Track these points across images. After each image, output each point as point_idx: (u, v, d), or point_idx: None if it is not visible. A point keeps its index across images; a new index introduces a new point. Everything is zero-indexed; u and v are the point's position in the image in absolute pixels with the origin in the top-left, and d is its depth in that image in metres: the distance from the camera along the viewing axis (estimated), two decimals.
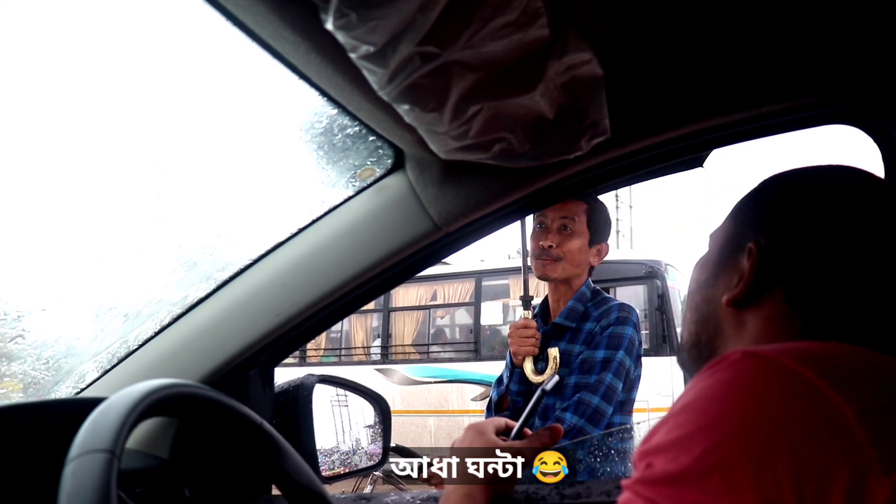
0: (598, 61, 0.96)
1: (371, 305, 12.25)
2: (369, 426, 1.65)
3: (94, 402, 0.80)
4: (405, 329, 12.47)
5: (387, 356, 12.34)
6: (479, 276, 12.09)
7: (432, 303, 12.49)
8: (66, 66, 1.04)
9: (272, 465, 1.01)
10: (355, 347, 12.85)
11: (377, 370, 12.04)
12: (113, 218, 1.25)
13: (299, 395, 1.38)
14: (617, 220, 25.14)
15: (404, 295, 12.27)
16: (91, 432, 0.74)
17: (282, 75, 0.92)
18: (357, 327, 12.77)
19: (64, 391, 1.27)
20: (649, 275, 10.58)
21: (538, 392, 1.21)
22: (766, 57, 1.04)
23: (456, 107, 0.91)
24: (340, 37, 0.75)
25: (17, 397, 1.34)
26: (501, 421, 1.20)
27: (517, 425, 1.18)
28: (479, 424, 1.17)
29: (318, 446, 1.44)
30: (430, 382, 11.58)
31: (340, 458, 1.56)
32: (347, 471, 1.55)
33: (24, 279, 1.26)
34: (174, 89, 1.05)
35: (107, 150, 1.15)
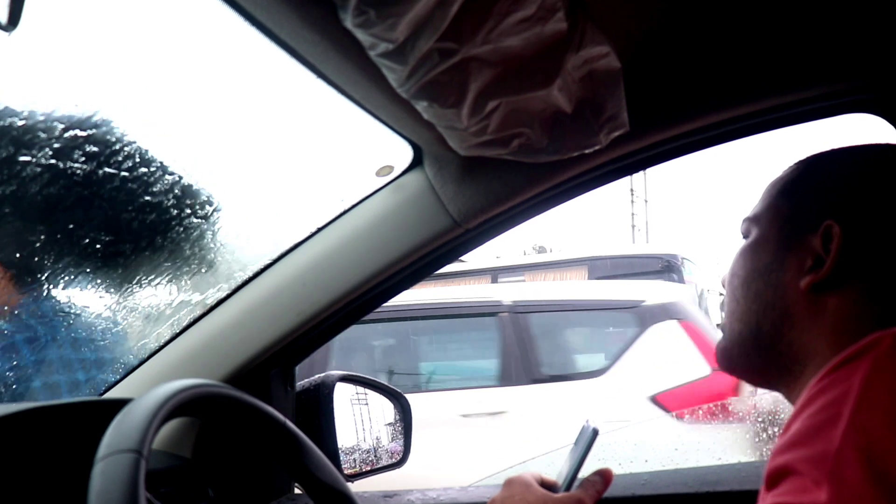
0: (616, 54, 0.96)
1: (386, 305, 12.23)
2: (389, 424, 1.65)
3: (120, 403, 0.80)
4: None
5: None
6: (495, 272, 12.08)
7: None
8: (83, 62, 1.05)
9: (296, 464, 1.02)
10: None
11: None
12: (132, 219, 1.25)
13: (321, 394, 1.38)
14: (632, 214, 25.04)
15: (419, 293, 12.25)
16: (118, 432, 0.74)
17: (300, 74, 0.92)
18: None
19: (86, 393, 1.27)
20: (666, 269, 10.54)
21: (590, 433, 1.01)
22: (789, 43, 1.03)
23: (474, 103, 0.90)
24: (359, 34, 0.75)
25: None
26: (537, 474, 1.03)
27: (568, 473, 1.01)
28: (521, 478, 1.01)
29: (339, 445, 1.44)
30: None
31: (362, 456, 1.56)
32: (369, 469, 1.55)
33: (47, 284, 1.27)
34: (191, 88, 1.05)
35: (125, 149, 1.16)
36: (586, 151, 1.04)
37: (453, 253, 1.21)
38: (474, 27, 0.79)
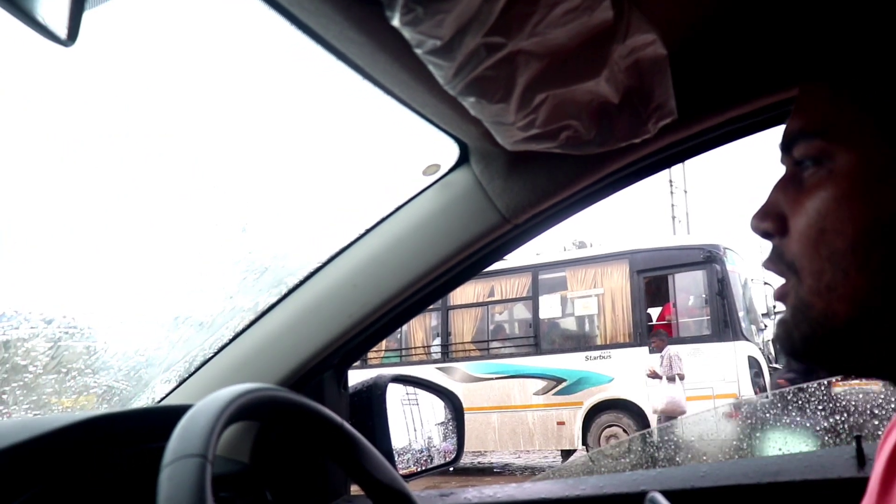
0: (662, 41, 0.95)
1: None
2: (440, 423, 1.66)
3: (181, 409, 0.81)
4: (464, 327, 12.52)
5: (447, 355, 12.39)
6: (535, 269, 12.07)
7: (490, 299, 12.50)
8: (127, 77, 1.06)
9: (354, 465, 1.02)
10: (415, 347, 12.92)
11: (438, 369, 12.10)
12: (183, 229, 1.27)
13: (373, 395, 1.39)
14: (672, 205, 24.79)
15: (462, 293, 12.31)
16: (183, 438, 0.75)
17: (346, 76, 0.92)
18: (416, 327, 12.85)
19: (143, 401, 1.29)
20: (708, 259, 10.45)
21: None
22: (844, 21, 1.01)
23: (522, 96, 0.90)
24: (406, 33, 0.75)
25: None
26: None
27: None
28: None
29: (392, 445, 1.45)
30: (491, 379, 11.60)
31: (414, 456, 1.56)
32: (423, 469, 1.55)
33: (100, 292, 1.29)
34: (236, 94, 1.06)
35: (173, 163, 1.17)
36: (635, 141, 1.03)
37: (502, 249, 1.21)
38: (521, 20, 0.79)
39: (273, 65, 1.00)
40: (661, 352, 9.99)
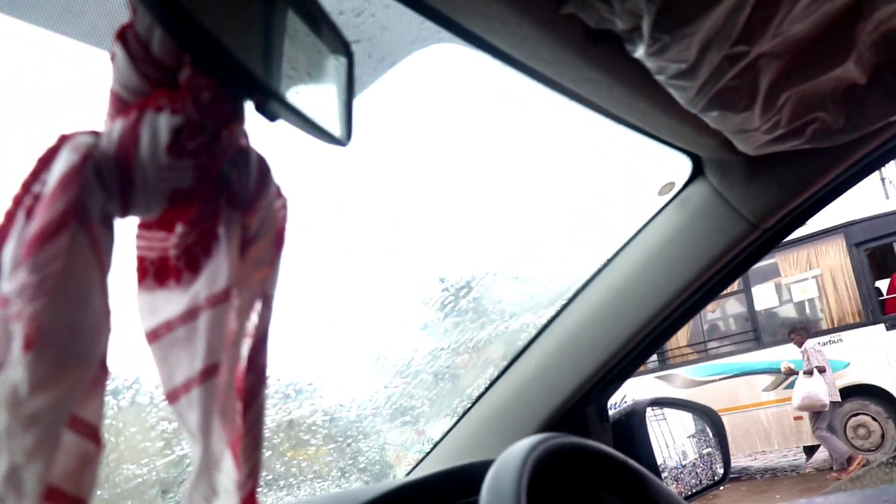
0: None
1: None
2: (691, 436, 1.60)
3: (479, 467, 0.83)
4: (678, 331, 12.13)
5: (664, 361, 12.04)
6: None
7: None
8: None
9: (640, 498, 1.01)
10: None
11: (657, 378, 11.78)
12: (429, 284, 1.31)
13: (633, 423, 1.37)
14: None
15: None
16: (495, 497, 0.77)
17: (569, 110, 0.92)
18: None
19: (414, 456, 1.33)
20: None
21: None
22: None
23: (765, 100, 0.87)
24: (650, 63, 0.75)
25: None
26: None
27: None
28: None
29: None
30: (714, 381, 11.12)
31: (672, 474, 1.52)
32: (699, 490, 1.50)
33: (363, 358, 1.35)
34: (483, 144, 1.09)
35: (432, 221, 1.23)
36: (891, 119, 0.96)
37: (755, 256, 1.16)
38: (764, 24, 0.76)
39: (507, 112, 1.03)
40: (801, 347, 9.63)
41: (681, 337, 11.96)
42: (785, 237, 1.16)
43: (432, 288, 1.32)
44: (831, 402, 9.42)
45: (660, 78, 0.79)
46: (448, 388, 1.37)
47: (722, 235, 1.11)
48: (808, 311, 11.25)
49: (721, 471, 1.57)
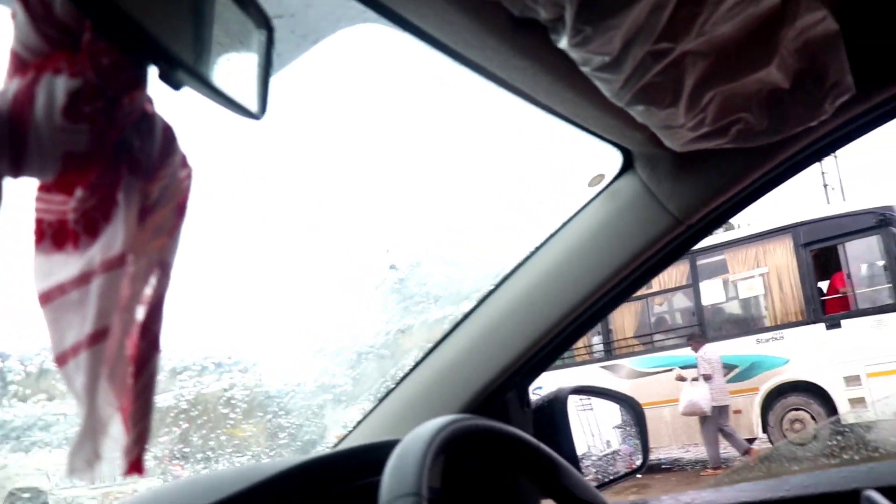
0: (833, 15, 0.89)
1: None
2: (617, 427, 1.63)
3: (386, 447, 0.83)
4: (625, 322, 12.28)
5: (611, 352, 12.18)
6: (693, 256, 11.68)
7: (649, 291, 12.20)
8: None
9: (553, 485, 1.02)
10: (577, 347, 12.78)
11: (603, 367, 11.92)
12: (358, 266, 1.31)
13: (555, 409, 1.38)
14: (823, 173, 23.28)
15: None
16: (396, 477, 0.77)
17: (503, 101, 0.92)
18: None
19: (332, 437, 1.33)
20: (882, 223, 9.78)
21: None
22: None
23: (690, 97, 0.88)
24: (574, 53, 0.75)
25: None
26: None
27: None
28: None
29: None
30: (658, 372, 11.29)
31: (595, 463, 1.54)
32: (611, 478, 1.53)
33: (289, 335, 1.34)
34: (409, 128, 1.09)
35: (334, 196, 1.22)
36: (812, 124, 0.98)
37: (678, 250, 1.18)
38: (688, 23, 0.77)
39: (435, 97, 1.02)
40: (697, 353, 10.17)
41: (628, 328, 12.12)
42: (709, 233, 1.19)
43: (359, 268, 1.32)
44: (715, 406, 10.00)
45: (585, 69, 0.80)
46: (372, 367, 1.37)
47: (648, 229, 1.13)
48: (754, 307, 11.47)
49: (640, 460, 1.60)
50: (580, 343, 12.61)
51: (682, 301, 12.32)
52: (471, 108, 1.06)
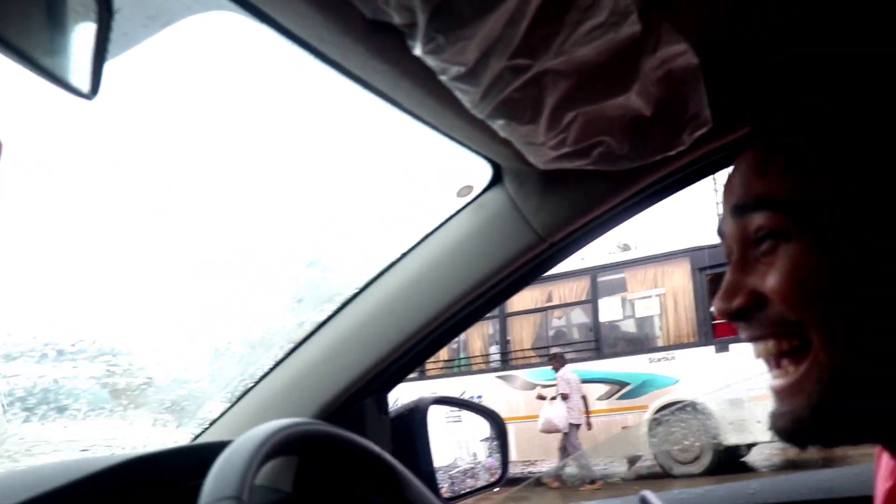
0: (693, 50, 0.92)
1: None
2: (486, 439, 1.64)
3: (220, 447, 0.81)
4: (523, 333, 12.44)
5: (507, 362, 12.31)
6: (594, 272, 11.93)
7: (549, 304, 12.39)
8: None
9: (395, 496, 1.01)
10: (474, 357, 12.86)
11: (498, 377, 12.04)
12: (222, 259, 1.27)
13: (415, 419, 1.37)
14: (717, 203, 24.12)
15: (520, 299, 12.24)
16: (219, 479, 0.75)
17: (373, 103, 0.91)
18: (475, 336, 12.81)
19: (184, 435, 1.29)
20: None
21: None
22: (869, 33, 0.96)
23: (551, 116, 0.88)
24: (429, 61, 0.74)
25: None
26: None
27: None
28: None
29: (436, 465, 1.43)
30: (553, 385, 11.48)
31: (460, 475, 1.55)
32: (469, 490, 1.53)
33: (144, 325, 1.30)
34: (267, 124, 1.06)
35: (203, 193, 1.18)
36: (670, 154, 1.00)
37: (540, 268, 1.18)
38: (546, 40, 0.77)
39: (294, 93, 1.00)
40: (557, 372, 10.73)
41: (524, 339, 12.29)
42: (571, 253, 1.20)
43: (216, 264, 1.29)
44: (571, 424, 10.59)
45: (443, 78, 0.79)
46: (230, 365, 1.34)
47: (511, 244, 1.13)
48: (649, 327, 11.79)
49: (499, 473, 1.61)
50: (476, 352, 12.72)
51: (580, 316, 12.57)
52: (337, 107, 1.04)
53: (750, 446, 10.49)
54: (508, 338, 12.43)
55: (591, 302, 11.87)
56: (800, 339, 0.68)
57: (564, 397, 10.61)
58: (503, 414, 1.68)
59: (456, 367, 12.98)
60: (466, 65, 0.75)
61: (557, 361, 10.81)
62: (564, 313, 12.73)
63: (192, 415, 1.30)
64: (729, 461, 10.37)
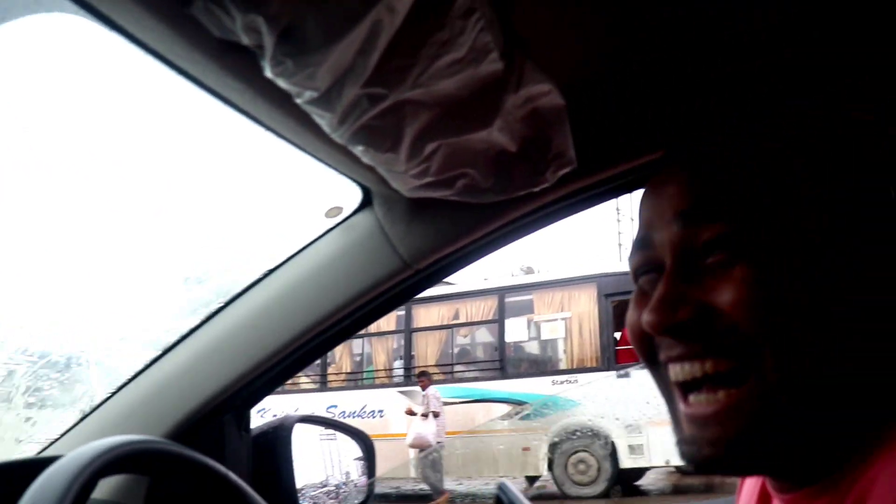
0: (560, 91, 0.94)
1: (392, 326, 12.26)
2: (359, 458, 1.63)
3: (47, 463, 0.78)
4: (428, 349, 12.45)
5: (410, 378, 12.30)
6: (502, 292, 12.04)
7: (455, 321, 12.43)
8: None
9: None
10: (377, 370, 12.81)
11: (400, 392, 12.01)
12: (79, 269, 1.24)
13: (278, 437, 1.35)
14: (619, 233, 24.68)
15: (426, 315, 12.26)
16: (37, 496, 0.72)
17: (238, 121, 0.90)
18: (378, 350, 12.76)
19: (29, 449, 1.25)
20: None
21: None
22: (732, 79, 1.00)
23: (413, 145, 0.88)
24: (282, 83, 0.73)
25: None
26: None
27: None
28: None
29: (306, 482, 1.42)
30: (455, 403, 11.53)
31: (330, 495, 1.53)
32: None
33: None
34: (128, 137, 1.04)
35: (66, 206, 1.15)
36: (534, 190, 1.02)
37: (403, 294, 1.19)
38: (401, 72, 0.77)
39: (156, 106, 0.98)
40: (424, 390, 10.95)
41: (429, 355, 12.30)
42: (436, 282, 1.20)
43: (73, 274, 1.25)
44: (438, 442, 10.83)
45: (298, 101, 0.78)
46: (86, 375, 1.30)
47: (377, 269, 1.13)
48: (553, 350, 11.96)
49: (365, 495, 1.61)
50: (380, 365, 12.68)
51: (485, 335, 12.66)
52: (202, 122, 1.02)
53: (644, 470, 10.74)
54: (413, 353, 12.42)
55: (498, 322, 11.97)
56: (741, 360, 0.64)
57: (435, 415, 10.86)
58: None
59: (360, 381, 12.89)
60: (318, 90, 0.75)
61: (424, 380, 11.06)
62: (470, 331, 12.81)
63: (42, 426, 1.26)
64: (624, 484, 10.59)
